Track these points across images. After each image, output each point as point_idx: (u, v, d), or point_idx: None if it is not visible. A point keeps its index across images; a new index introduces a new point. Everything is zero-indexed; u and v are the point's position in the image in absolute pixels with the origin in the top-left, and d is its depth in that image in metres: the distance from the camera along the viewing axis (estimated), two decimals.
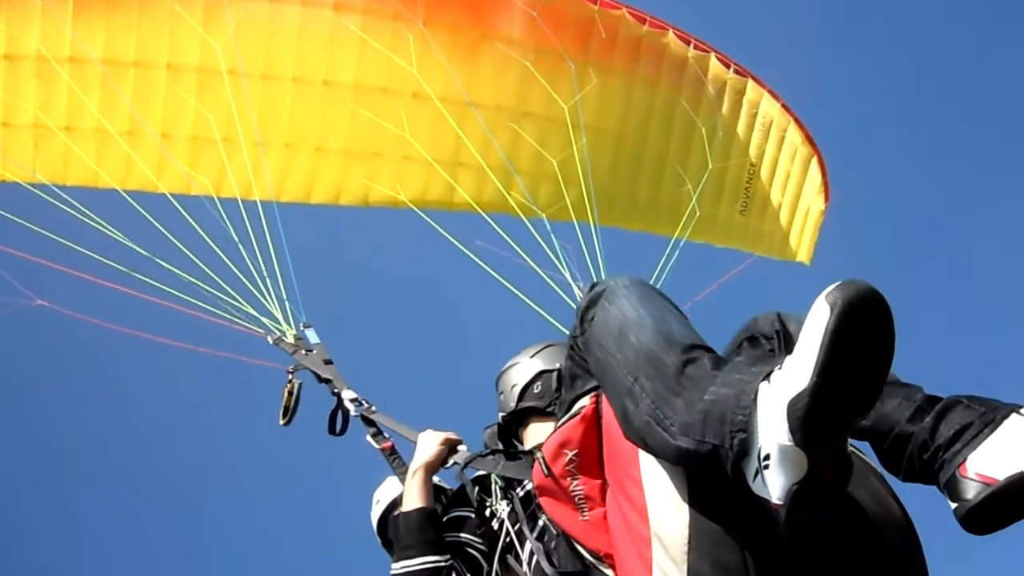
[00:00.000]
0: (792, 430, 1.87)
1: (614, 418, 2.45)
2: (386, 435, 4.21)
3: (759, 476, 1.95)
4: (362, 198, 6.56)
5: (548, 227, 6.29)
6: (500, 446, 3.76)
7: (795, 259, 7.41)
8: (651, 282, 2.79)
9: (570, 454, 2.71)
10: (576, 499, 2.73)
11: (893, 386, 2.45)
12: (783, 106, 6.78)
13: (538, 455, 2.85)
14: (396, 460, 4.07)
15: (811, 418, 1.85)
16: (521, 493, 3.30)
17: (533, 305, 5.44)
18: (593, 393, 2.71)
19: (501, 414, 3.96)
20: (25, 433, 16.13)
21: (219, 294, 5.24)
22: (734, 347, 2.95)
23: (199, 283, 5.20)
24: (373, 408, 4.39)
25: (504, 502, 3.25)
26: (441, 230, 5.94)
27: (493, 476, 3.39)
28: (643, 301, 2.52)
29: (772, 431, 1.92)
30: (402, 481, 3.88)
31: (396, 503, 3.86)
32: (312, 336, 5.13)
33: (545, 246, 5.82)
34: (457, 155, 6.47)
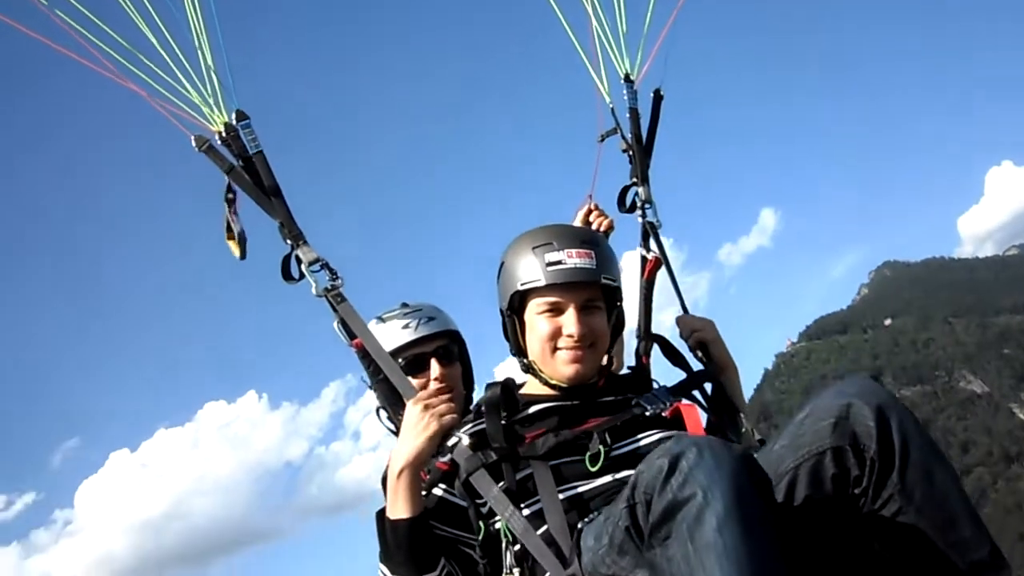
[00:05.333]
0: None
1: None
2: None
3: None
4: None
5: None
6: (502, 416, 3.01)
7: None
8: None
9: None
10: None
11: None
12: None
13: None
14: (372, 366, 3.26)
15: None
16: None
17: None
18: None
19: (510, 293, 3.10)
20: None
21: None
22: (817, 451, 2.47)
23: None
24: (340, 283, 3.21)
25: (516, 571, 2.79)
26: None
27: (503, 525, 2.82)
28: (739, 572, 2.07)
29: None
30: (374, 388, 3.40)
31: (399, 350, 3.55)
32: (250, 141, 3.29)
33: None
34: None
